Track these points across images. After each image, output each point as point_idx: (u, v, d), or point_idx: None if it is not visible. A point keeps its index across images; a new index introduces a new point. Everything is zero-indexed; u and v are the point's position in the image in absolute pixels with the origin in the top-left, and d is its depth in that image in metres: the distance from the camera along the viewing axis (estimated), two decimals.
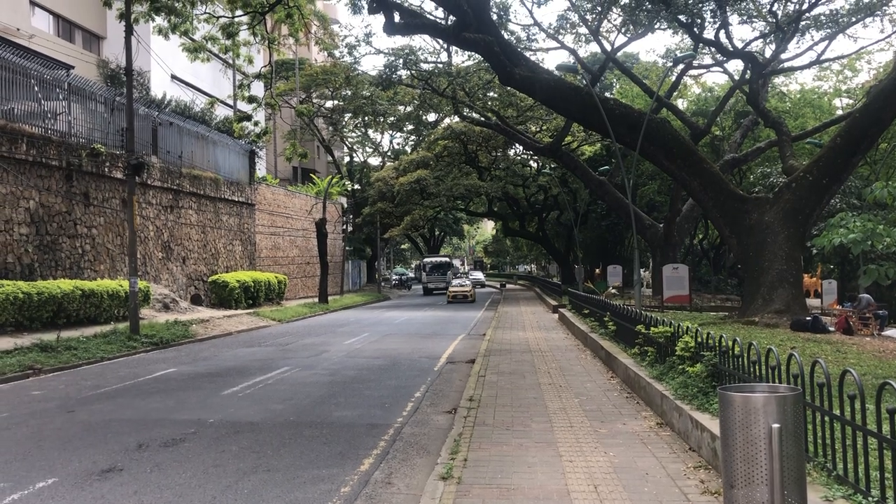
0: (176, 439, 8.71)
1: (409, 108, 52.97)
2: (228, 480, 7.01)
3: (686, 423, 7.65)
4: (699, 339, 8.73)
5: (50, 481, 7.03)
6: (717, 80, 57.09)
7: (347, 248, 54.31)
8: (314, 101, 53.67)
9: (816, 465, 5.55)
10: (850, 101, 40.60)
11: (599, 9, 26.80)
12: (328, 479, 7.05)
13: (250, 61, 23.45)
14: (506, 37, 24.30)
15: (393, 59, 34.94)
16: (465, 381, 12.55)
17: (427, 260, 67.34)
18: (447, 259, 67.80)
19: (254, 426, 9.41)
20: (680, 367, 9.02)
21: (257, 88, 31.35)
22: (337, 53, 52.62)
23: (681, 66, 32.13)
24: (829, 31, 26.51)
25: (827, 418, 5.47)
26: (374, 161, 67.27)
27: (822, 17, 25.84)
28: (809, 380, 5.73)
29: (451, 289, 45.46)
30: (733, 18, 27.05)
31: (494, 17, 23.98)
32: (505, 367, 13.91)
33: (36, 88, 21.75)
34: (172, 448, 8.31)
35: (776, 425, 4.21)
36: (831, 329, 17.45)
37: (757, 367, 6.69)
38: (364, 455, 7.96)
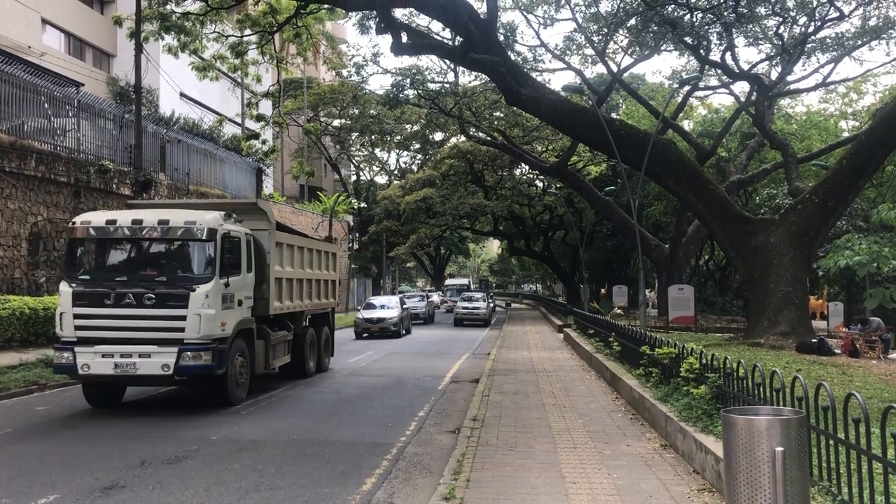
0: (178, 456, 8.70)
1: (415, 128, 53.13)
2: (230, 499, 7.00)
3: (690, 444, 7.61)
4: (704, 361, 8.71)
5: (52, 497, 7.03)
6: (723, 101, 57.48)
7: (353, 265, 54.33)
8: (321, 119, 53.94)
9: (821, 490, 5.51)
10: (856, 124, 40.62)
11: (606, 30, 26.90)
12: (330, 499, 7.03)
13: (259, 80, 23.67)
14: (512, 57, 24.42)
15: (400, 78, 35.08)
16: (469, 401, 12.51)
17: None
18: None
19: (256, 444, 9.39)
20: (684, 388, 8.98)
21: (265, 107, 31.54)
22: (345, 73, 52.91)
23: (687, 88, 32.20)
24: (834, 53, 26.56)
25: (832, 442, 5.44)
26: (381, 179, 67.49)
27: (828, 40, 25.91)
28: (814, 403, 5.70)
29: None
30: (739, 41, 27.18)
31: (501, 38, 24.08)
32: (509, 387, 13.86)
33: (46, 105, 21.94)
34: (175, 465, 8.30)
35: (780, 448, 4.20)
36: (837, 351, 17.35)
37: (761, 389, 6.66)
38: (366, 474, 7.93)
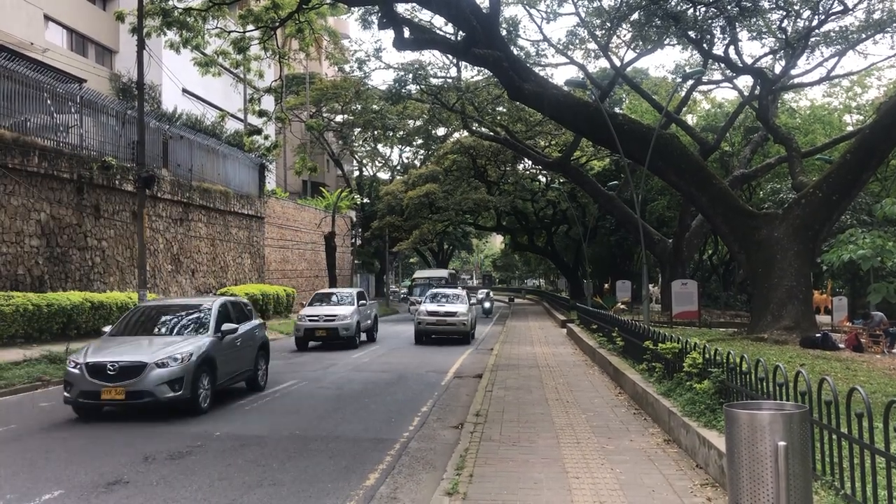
0: (182, 452, 8.72)
1: (418, 123, 53.17)
2: (234, 494, 7.01)
3: (693, 439, 7.61)
4: (707, 356, 8.70)
5: (56, 493, 7.05)
6: (726, 95, 57.25)
7: (356, 261, 54.35)
8: (324, 115, 53.95)
9: (823, 484, 5.51)
10: (860, 118, 40.52)
11: (609, 25, 26.86)
12: (333, 494, 7.04)
13: (261, 76, 23.63)
14: (515, 52, 24.38)
15: (402, 73, 35.10)
16: (472, 396, 12.52)
17: None
18: None
19: (260, 439, 9.40)
20: (688, 383, 8.98)
21: (268, 102, 31.54)
22: (347, 68, 52.95)
23: (690, 82, 32.16)
24: (838, 47, 26.49)
25: (834, 436, 5.43)
26: (384, 175, 67.53)
27: (832, 34, 25.84)
28: (817, 397, 5.69)
29: None
30: (743, 35, 27.12)
31: (504, 32, 24.07)
32: (512, 383, 13.87)
33: (49, 102, 21.94)
34: (179, 461, 8.32)
35: (782, 443, 4.19)
36: (841, 346, 17.32)
37: (764, 384, 6.65)
38: (370, 469, 7.94)
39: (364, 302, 24.88)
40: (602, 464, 7.58)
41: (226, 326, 12.33)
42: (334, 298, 24.60)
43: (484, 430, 9.36)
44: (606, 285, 56.19)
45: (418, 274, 51.44)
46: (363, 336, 24.30)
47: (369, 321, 25.22)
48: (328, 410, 11.71)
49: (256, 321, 14.45)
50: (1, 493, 7.05)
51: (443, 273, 51.60)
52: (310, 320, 22.47)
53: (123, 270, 24.49)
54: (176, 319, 12.71)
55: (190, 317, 12.70)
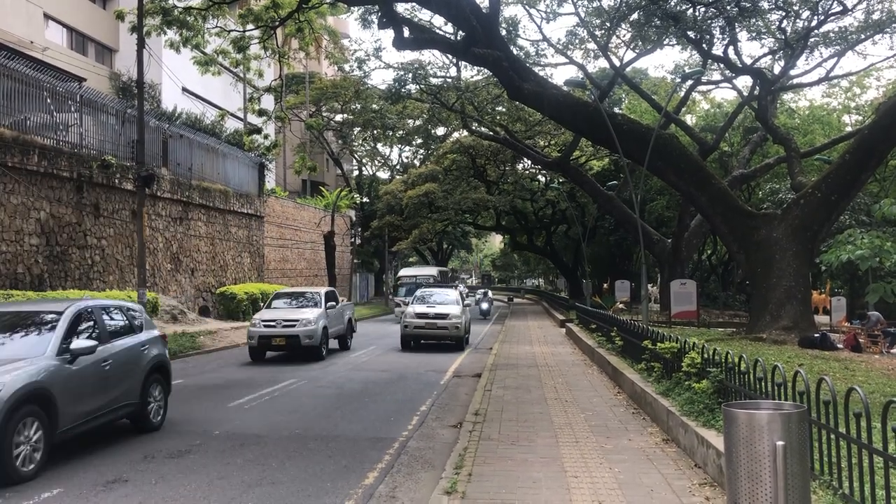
0: (181, 451, 8.73)
1: (417, 122, 53.18)
2: (233, 493, 7.02)
3: (692, 439, 7.62)
4: (706, 356, 8.71)
5: (55, 492, 7.06)
6: (725, 95, 57.36)
7: (355, 260, 54.37)
8: (324, 114, 53.94)
9: (822, 484, 5.53)
10: (859, 118, 40.53)
11: (608, 25, 26.85)
12: (332, 493, 7.06)
13: (261, 75, 23.63)
14: (514, 52, 24.37)
15: (402, 73, 35.06)
16: (471, 396, 12.53)
17: None
18: None
19: (259, 438, 9.42)
20: (686, 383, 8.99)
21: (267, 102, 31.51)
22: (347, 67, 52.95)
23: (689, 82, 32.16)
24: (838, 48, 26.50)
25: (832, 436, 5.45)
26: (383, 174, 67.52)
27: (832, 35, 25.85)
28: (815, 397, 5.70)
29: None
30: (742, 35, 27.12)
31: (503, 32, 24.05)
32: (511, 382, 13.88)
33: (48, 100, 21.94)
34: (178, 459, 8.33)
35: (781, 443, 4.21)
36: (840, 346, 17.34)
37: (763, 383, 6.67)
38: (369, 469, 7.96)
39: (334, 303, 20.99)
40: (601, 463, 7.59)
41: (78, 344, 8.38)
42: (297, 300, 20.91)
43: (483, 429, 9.37)
44: (605, 285, 56.19)
45: (404, 272, 45.34)
46: (335, 343, 21.21)
47: (342, 326, 21.63)
48: (327, 409, 11.72)
49: (148, 334, 10.38)
50: (0, 492, 7.06)
51: (431, 271, 45.26)
52: (265, 326, 18.77)
53: (123, 269, 24.49)
54: (4, 335, 8.49)
55: (26, 331, 8.64)
